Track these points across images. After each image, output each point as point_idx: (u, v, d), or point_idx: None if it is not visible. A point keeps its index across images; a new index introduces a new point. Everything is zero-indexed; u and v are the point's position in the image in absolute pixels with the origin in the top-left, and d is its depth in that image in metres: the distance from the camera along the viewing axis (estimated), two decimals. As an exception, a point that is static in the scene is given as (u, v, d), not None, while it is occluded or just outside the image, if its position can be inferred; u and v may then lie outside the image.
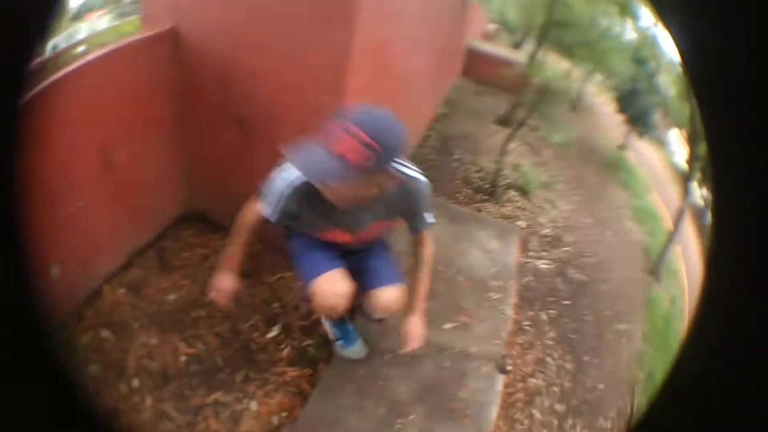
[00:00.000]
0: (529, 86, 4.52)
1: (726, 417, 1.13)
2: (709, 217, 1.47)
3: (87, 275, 2.42)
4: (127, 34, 2.78)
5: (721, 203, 1.32)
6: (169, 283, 2.56)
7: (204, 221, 2.82)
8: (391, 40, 2.72)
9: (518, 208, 4.21)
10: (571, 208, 4.69)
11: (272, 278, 2.66)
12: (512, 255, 3.21)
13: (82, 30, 2.56)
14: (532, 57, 4.72)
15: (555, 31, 4.37)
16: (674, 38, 1.34)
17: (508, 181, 4.39)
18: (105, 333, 2.33)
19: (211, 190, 2.75)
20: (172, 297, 2.51)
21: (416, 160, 2.24)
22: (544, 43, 4.62)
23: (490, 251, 3.11)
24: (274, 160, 2.04)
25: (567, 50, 4.73)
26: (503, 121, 5.32)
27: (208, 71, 2.45)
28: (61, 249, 2.23)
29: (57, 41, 2.33)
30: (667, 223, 5.11)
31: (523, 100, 4.81)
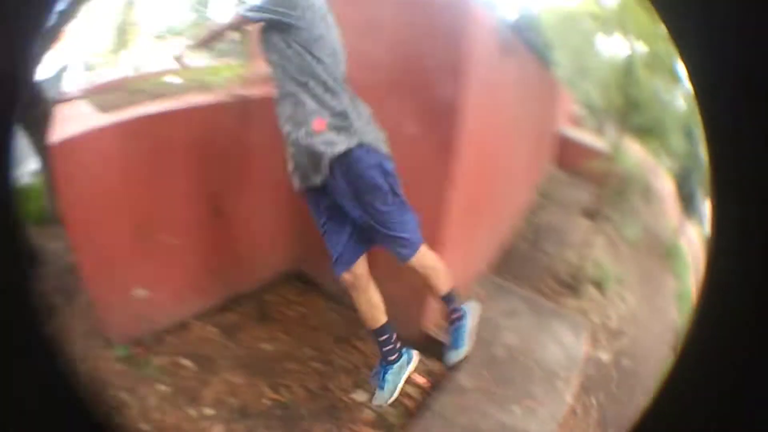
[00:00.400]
0: (611, 177, 4.55)
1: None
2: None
3: (177, 307, 2.62)
4: (230, 78, 3.09)
5: (721, 215, 1.38)
6: (265, 333, 2.71)
7: (308, 282, 2.96)
8: (494, 129, 2.85)
9: (593, 301, 4.22)
10: (634, 300, 4.69)
11: (365, 345, 2.74)
12: (582, 348, 3.24)
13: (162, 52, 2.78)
14: (614, 144, 4.76)
15: (630, 112, 4.42)
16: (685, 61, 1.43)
17: (587, 274, 4.40)
18: (185, 362, 2.50)
19: (320, 254, 2.83)
20: (265, 346, 2.66)
21: (509, 250, 2.36)
22: (623, 127, 4.66)
23: (564, 344, 3.17)
24: None
25: (639, 132, 4.76)
26: (588, 213, 5.33)
27: None
28: (150, 275, 2.46)
29: (138, 63, 2.62)
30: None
31: (605, 191, 4.83)
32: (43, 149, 3.77)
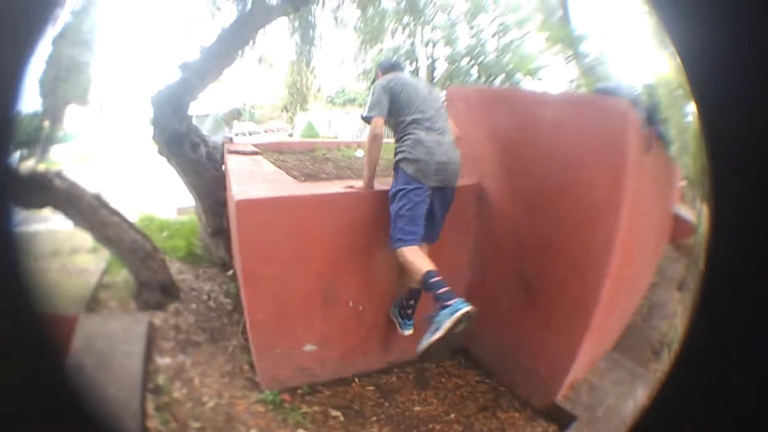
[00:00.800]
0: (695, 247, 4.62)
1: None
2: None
3: (342, 365, 2.82)
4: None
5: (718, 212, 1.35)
6: (419, 397, 2.91)
7: (467, 357, 3.19)
8: (637, 221, 3.01)
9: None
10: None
11: (504, 415, 2.89)
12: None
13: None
14: (698, 212, 4.80)
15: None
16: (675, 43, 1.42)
17: (668, 340, 4.52)
18: (336, 413, 2.69)
19: (483, 333, 3.06)
20: (416, 408, 2.84)
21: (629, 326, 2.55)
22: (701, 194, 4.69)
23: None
24: (549, 320, 2.43)
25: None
26: (679, 285, 5.41)
27: (506, 233, 2.96)
28: (324, 334, 2.67)
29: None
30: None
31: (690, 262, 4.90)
32: (201, 190, 4.05)
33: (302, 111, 7.09)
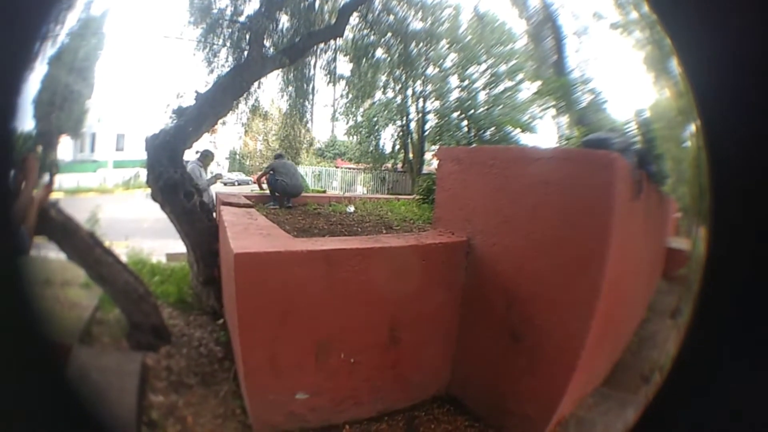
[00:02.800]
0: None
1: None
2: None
3: (333, 413, 2.83)
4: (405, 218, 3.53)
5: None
6: None
7: (456, 405, 3.16)
8: (626, 265, 3.08)
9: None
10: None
11: None
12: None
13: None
14: (693, 238, 4.87)
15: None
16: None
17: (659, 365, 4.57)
18: None
19: (470, 381, 3.14)
20: (406, 456, 2.84)
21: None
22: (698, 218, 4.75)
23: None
24: (535, 366, 2.65)
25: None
26: (672, 313, 5.47)
27: (495, 288, 3.01)
28: (316, 383, 2.71)
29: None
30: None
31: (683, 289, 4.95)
32: (194, 240, 4.08)
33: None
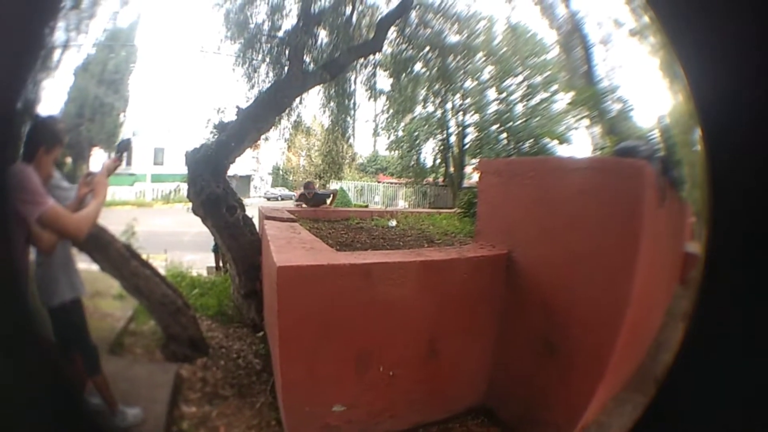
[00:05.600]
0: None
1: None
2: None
3: (369, 425, 2.81)
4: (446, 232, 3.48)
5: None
6: None
7: (490, 416, 3.12)
8: (651, 279, 3.01)
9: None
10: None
11: None
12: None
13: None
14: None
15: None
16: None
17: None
18: None
19: (505, 393, 3.09)
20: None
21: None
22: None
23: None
24: (567, 376, 2.64)
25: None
26: (683, 317, 5.40)
27: (533, 300, 2.97)
28: (353, 396, 2.68)
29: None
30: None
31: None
32: (237, 254, 4.13)
33: (336, 179, 7.29)
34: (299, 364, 2.62)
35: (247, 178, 7.44)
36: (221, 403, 2.99)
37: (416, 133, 7.44)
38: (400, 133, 7.32)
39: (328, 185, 7.32)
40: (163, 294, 3.28)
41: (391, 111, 6.84)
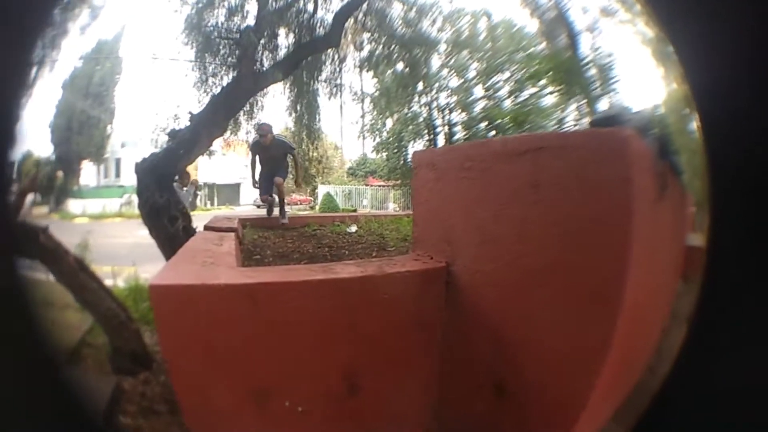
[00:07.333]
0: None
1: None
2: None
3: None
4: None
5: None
6: None
7: None
8: (644, 305, 2.56)
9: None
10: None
11: None
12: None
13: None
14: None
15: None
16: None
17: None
18: None
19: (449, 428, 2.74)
20: None
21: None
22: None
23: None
24: (522, 428, 2.08)
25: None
26: (687, 319, 5.17)
27: (478, 328, 2.42)
28: (260, 429, 2.43)
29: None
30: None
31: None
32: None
33: (323, 183, 7.22)
34: (194, 394, 2.36)
35: (237, 186, 7.39)
36: (154, 418, 2.97)
37: (402, 134, 7.27)
38: (386, 135, 7.23)
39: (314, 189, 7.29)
40: (108, 307, 3.23)
41: (375, 112, 6.75)
